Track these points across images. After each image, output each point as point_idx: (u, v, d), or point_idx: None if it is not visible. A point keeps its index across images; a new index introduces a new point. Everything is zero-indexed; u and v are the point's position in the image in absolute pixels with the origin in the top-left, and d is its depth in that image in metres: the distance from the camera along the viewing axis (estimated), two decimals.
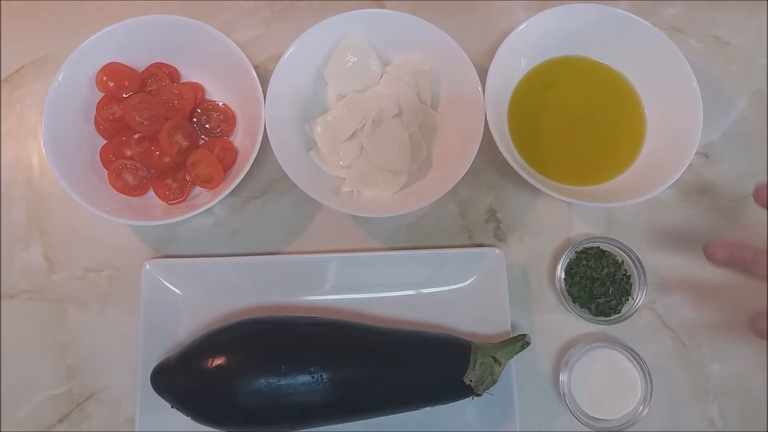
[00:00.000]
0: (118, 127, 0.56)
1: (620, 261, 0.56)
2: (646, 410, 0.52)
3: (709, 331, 0.56)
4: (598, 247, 0.56)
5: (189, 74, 0.60)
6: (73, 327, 0.55)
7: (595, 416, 0.52)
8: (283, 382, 0.46)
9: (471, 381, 0.48)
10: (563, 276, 0.55)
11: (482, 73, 0.55)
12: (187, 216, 0.51)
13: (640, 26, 0.57)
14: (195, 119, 0.58)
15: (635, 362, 0.53)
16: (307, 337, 0.49)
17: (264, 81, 0.54)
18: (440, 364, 0.49)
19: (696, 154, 0.55)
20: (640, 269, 0.55)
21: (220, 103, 0.58)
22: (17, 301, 0.55)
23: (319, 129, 0.56)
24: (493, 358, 0.49)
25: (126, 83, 0.57)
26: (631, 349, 0.53)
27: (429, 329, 0.54)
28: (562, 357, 0.55)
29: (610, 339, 0.55)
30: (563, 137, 0.59)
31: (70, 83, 0.54)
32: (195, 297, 0.54)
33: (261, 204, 0.58)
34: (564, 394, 0.52)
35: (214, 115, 0.58)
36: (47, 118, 0.52)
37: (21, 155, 0.59)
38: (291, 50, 0.54)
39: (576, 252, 0.56)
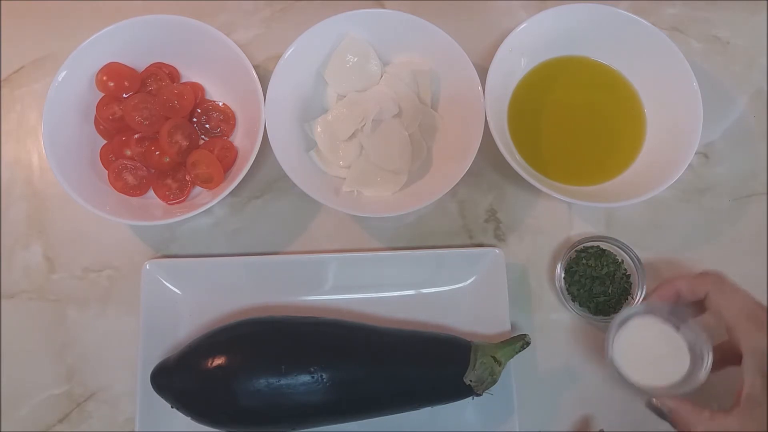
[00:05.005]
0: (118, 127, 0.56)
1: (620, 260, 0.56)
2: (705, 375, 0.46)
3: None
4: (598, 246, 0.56)
5: (189, 74, 0.60)
6: (73, 327, 0.55)
7: (647, 384, 0.46)
8: (283, 382, 0.46)
9: (471, 381, 0.48)
10: (563, 275, 0.55)
11: (482, 73, 0.55)
12: (187, 216, 0.51)
13: (640, 26, 0.57)
14: (195, 119, 0.58)
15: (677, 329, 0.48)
16: (307, 337, 0.49)
17: (264, 81, 0.54)
18: (440, 364, 0.49)
19: (696, 154, 0.55)
20: (640, 269, 0.55)
21: (220, 103, 0.58)
22: (17, 301, 0.55)
23: (319, 129, 0.56)
24: (493, 358, 0.49)
25: (126, 83, 0.57)
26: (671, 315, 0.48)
27: (429, 329, 0.54)
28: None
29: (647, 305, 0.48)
30: (563, 137, 0.59)
31: (70, 83, 0.54)
32: (195, 297, 0.54)
33: (261, 204, 0.58)
34: (612, 361, 0.47)
35: (214, 115, 0.58)
36: (47, 118, 0.52)
37: (21, 155, 0.59)
38: (291, 50, 0.54)
39: (576, 251, 0.56)
